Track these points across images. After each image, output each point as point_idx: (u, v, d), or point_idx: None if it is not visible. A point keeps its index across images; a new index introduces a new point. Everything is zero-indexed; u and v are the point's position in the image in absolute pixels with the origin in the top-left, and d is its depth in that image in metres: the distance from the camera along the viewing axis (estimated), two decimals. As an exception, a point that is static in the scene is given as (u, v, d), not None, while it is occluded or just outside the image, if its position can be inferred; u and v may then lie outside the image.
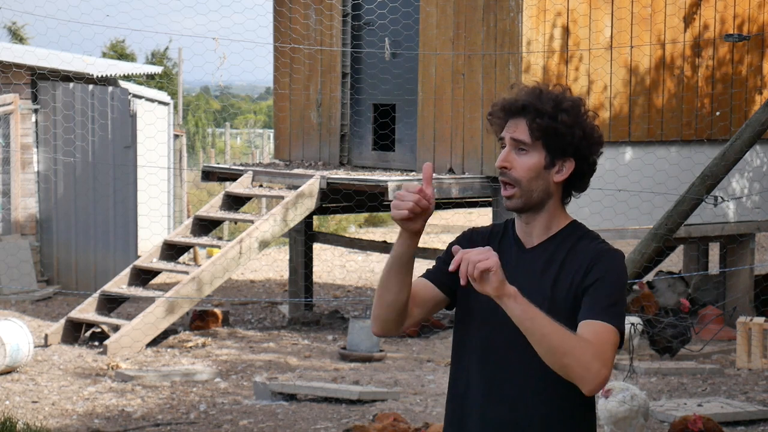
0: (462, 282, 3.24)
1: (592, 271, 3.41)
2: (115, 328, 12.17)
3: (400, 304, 3.48)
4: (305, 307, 14.25)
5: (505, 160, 3.48)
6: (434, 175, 12.61)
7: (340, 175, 12.97)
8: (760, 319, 11.23)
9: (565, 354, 3.26)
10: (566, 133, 3.46)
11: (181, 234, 13.31)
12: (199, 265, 13.32)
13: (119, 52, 31.67)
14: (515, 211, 3.53)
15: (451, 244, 3.66)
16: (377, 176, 12.69)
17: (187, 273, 12.64)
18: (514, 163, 3.47)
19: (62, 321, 12.52)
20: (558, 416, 3.47)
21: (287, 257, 15.21)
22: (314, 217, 15.42)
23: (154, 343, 12.17)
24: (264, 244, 12.78)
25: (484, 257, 3.21)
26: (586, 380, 3.28)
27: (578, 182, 3.56)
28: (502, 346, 3.49)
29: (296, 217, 12.78)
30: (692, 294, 13.77)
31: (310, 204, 12.78)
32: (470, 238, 3.63)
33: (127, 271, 12.97)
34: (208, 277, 12.40)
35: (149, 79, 24.61)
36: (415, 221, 3.37)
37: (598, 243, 3.50)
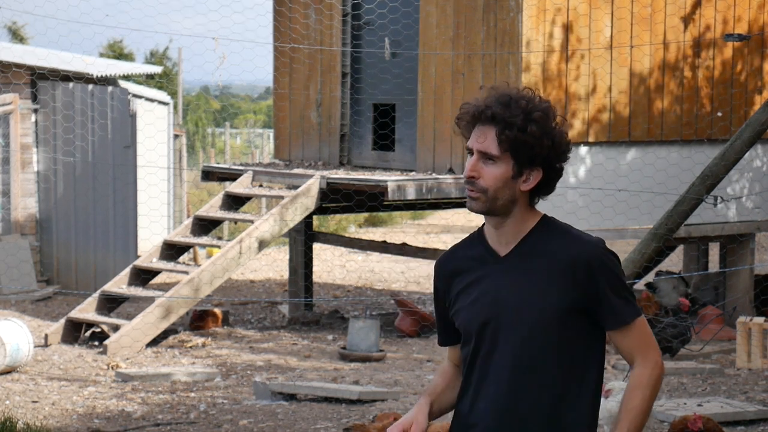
0: None
1: (592, 280, 3.45)
2: (115, 328, 12.17)
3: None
4: (305, 307, 14.25)
5: (473, 170, 3.48)
6: (434, 175, 12.69)
7: (340, 175, 12.97)
8: (760, 319, 11.23)
9: (648, 412, 3.53)
10: (535, 145, 3.45)
11: (181, 234, 13.31)
12: (199, 265, 13.32)
13: (117, 52, 31.66)
14: (479, 213, 3.55)
15: (433, 288, 3.68)
16: (377, 176, 12.69)
17: (186, 273, 12.64)
18: (481, 172, 3.48)
19: (62, 321, 12.52)
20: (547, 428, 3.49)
21: (287, 257, 15.21)
22: (314, 217, 15.42)
23: (154, 343, 12.17)
24: (264, 244, 12.78)
25: None
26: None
27: (545, 188, 3.55)
28: (493, 358, 3.50)
29: (296, 217, 12.78)
30: (693, 294, 13.77)
31: (310, 204, 12.78)
32: (441, 270, 3.64)
33: (127, 271, 12.97)
34: (207, 277, 12.40)
35: (149, 79, 24.62)
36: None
37: (576, 238, 3.51)
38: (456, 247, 3.65)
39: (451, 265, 3.61)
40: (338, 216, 21.60)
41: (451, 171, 12.77)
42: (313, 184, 12.75)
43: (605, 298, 3.46)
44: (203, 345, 12.35)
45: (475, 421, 3.53)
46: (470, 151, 3.51)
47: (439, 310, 3.66)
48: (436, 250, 14.15)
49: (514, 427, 3.48)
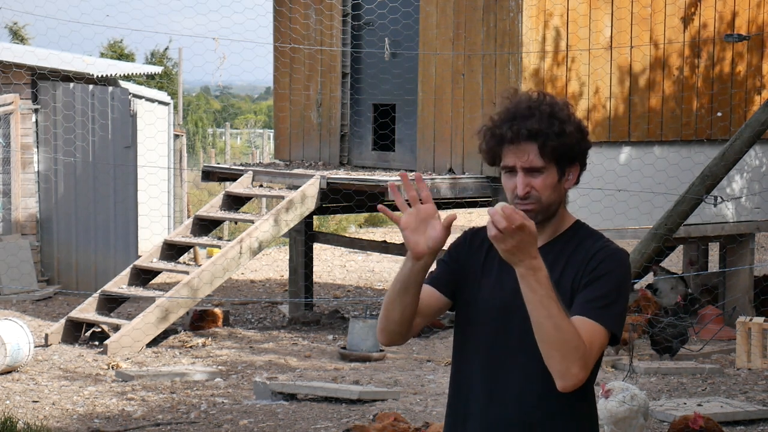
0: (491, 232, 3.25)
1: (593, 270, 3.45)
2: (116, 328, 12.18)
3: (407, 320, 3.53)
4: (305, 307, 14.25)
5: (527, 186, 3.49)
6: (434, 175, 12.69)
7: (340, 175, 12.98)
8: (760, 319, 11.24)
9: (554, 347, 3.31)
10: (574, 144, 3.51)
11: (182, 234, 13.32)
12: (200, 265, 13.32)
13: (118, 52, 31.67)
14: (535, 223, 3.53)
15: (451, 245, 3.67)
16: (377, 176, 12.70)
17: (187, 273, 12.65)
18: (531, 184, 3.50)
19: (62, 321, 12.52)
20: (561, 416, 3.48)
21: (287, 257, 15.21)
22: (314, 217, 15.43)
23: (155, 342, 12.18)
24: (264, 244, 12.79)
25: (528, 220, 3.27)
26: (562, 377, 3.34)
27: (578, 180, 3.62)
28: (506, 346, 3.50)
29: (296, 217, 12.78)
30: (693, 294, 13.78)
31: (310, 204, 12.78)
32: (470, 240, 3.64)
33: (127, 270, 12.97)
34: (208, 277, 12.41)
35: (149, 79, 24.62)
36: (424, 229, 3.39)
37: (603, 242, 3.53)
38: (485, 228, 3.65)
39: (481, 237, 3.60)
40: (338, 216, 21.61)
41: (451, 171, 12.78)
42: (313, 185, 12.76)
43: (591, 288, 3.44)
44: (203, 345, 12.36)
45: (473, 404, 3.55)
46: (508, 169, 3.52)
47: (447, 262, 3.63)
48: (436, 250, 14.15)
49: (511, 410, 3.50)
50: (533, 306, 3.31)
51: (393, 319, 3.53)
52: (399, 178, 12.50)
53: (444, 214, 3.43)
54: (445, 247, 3.64)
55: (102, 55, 30.44)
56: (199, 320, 13.18)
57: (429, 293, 3.59)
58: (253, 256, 12.83)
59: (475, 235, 3.66)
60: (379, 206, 3.52)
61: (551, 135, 3.46)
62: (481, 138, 3.56)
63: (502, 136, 3.50)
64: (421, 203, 3.44)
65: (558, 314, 3.29)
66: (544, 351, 3.33)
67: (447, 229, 3.40)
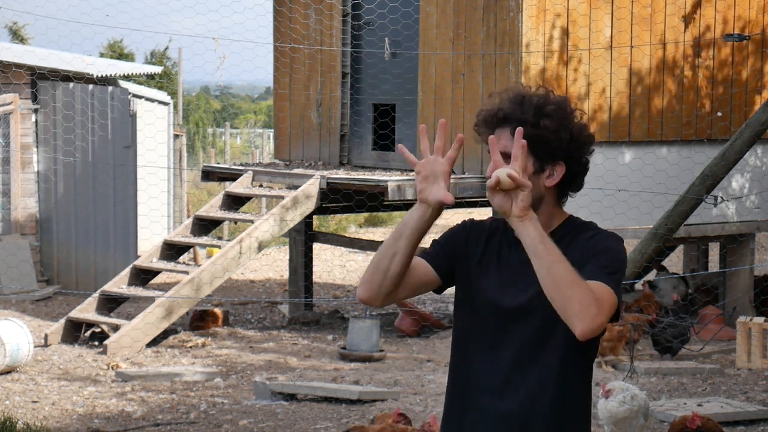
0: (490, 177, 3.27)
1: (592, 248, 3.43)
2: (115, 328, 12.17)
3: (397, 275, 3.50)
4: (305, 307, 14.25)
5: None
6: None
7: (340, 175, 12.97)
8: (760, 319, 11.23)
9: (571, 286, 3.26)
10: (552, 139, 3.47)
11: (181, 234, 13.31)
12: (199, 265, 13.32)
13: (118, 52, 31.66)
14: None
15: (448, 230, 3.67)
16: (377, 176, 12.69)
17: (187, 273, 12.64)
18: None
19: (62, 321, 12.52)
20: (565, 411, 3.47)
21: (287, 257, 15.21)
22: (314, 217, 15.42)
23: (154, 342, 12.17)
24: (264, 244, 12.78)
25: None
26: (582, 319, 3.27)
27: (572, 183, 3.56)
28: (506, 344, 3.49)
29: (296, 217, 12.78)
30: (692, 294, 13.78)
31: (310, 204, 12.78)
32: (470, 229, 3.64)
33: (127, 270, 12.97)
34: (207, 277, 12.40)
35: (149, 79, 24.62)
36: (433, 182, 3.40)
37: (596, 230, 3.52)
38: (493, 221, 3.64)
39: (479, 230, 3.59)
40: (338, 216, 21.60)
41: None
42: (313, 185, 12.75)
43: (594, 259, 3.41)
44: (203, 345, 12.35)
45: (474, 396, 3.56)
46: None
47: (442, 244, 3.63)
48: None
49: (515, 404, 3.49)
50: (543, 253, 3.28)
51: (381, 267, 3.49)
52: (400, 178, 12.49)
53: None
54: (436, 237, 3.67)
55: (102, 55, 30.40)
56: (199, 320, 13.18)
57: (420, 264, 3.57)
58: (253, 255, 12.82)
59: (475, 225, 3.65)
60: (399, 146, 3.50)
61: (524, 122, 3.44)
62: (475, 124, 3.58)
63: (484, 119, 3.52)
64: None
65: (560, 256, 3.28)
66: (561, 295, 3.26)
67: (446, 191, 3.41)
